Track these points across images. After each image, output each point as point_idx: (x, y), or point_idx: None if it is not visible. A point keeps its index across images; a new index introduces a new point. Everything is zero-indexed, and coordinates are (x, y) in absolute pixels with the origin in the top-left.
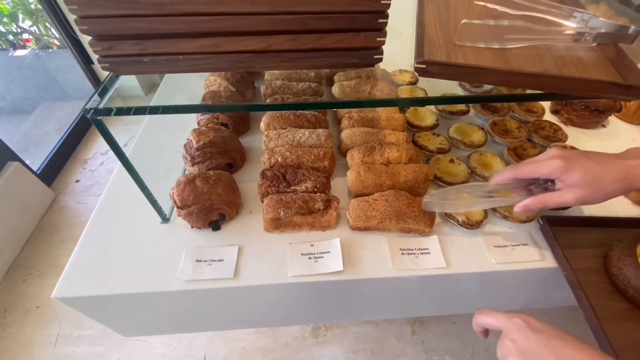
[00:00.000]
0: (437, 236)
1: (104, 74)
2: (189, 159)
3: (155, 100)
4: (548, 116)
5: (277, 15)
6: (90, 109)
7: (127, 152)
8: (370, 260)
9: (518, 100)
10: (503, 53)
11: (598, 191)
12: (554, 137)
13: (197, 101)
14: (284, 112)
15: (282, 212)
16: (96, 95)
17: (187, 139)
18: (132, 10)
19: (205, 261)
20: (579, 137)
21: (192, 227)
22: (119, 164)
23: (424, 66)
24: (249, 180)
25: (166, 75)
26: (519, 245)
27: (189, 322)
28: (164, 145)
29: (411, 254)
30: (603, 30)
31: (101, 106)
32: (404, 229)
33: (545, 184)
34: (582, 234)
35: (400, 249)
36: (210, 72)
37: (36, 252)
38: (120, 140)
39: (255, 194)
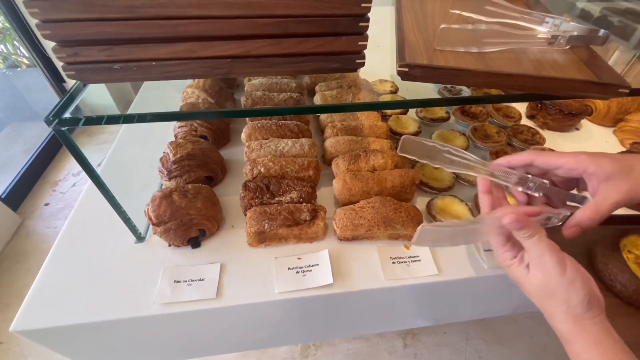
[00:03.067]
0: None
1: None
2: (166, 172)
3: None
4: (525, 121)
5: (256, 18)
6: (54, 118)
7: (100, 170)
8: (360, 271)
9: (498, 101)
10: (482, 56)
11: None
12: (532, 140)
13: None
14: (265, 122)
15: (266, 225)
16: (60, 105)
17: (164, 152)
18: (100, 13)
19: (184, 281)
20: (555, 140)
21: (169, 245)
22: (88, 182)
23: (406, 69)
24: (231, 194)
25: (141, 88)
26: None
27: (169, 349)
28: (139, 159)
29: (402, 262)
30: (575, 34)
31: (66, 115)
32: (393, 236)
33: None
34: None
35: (391, 257)
36: (188, 85)
37: (0, 282)
38: (93, 160)
39: (238, 207)
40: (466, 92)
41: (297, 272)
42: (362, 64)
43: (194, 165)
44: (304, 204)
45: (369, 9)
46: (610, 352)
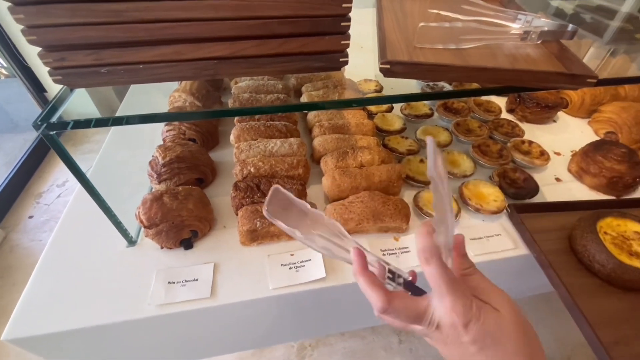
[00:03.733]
0: (414, 234)
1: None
2: (155, 176)
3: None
4: (505, 115)
5: (242, 20)
6: (42, 122)
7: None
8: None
9: (475, 95)
10: (460, 53)
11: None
12: (513, 133)
13: None
14: (253, 123)
15: (258, 223)
16: (48, 109)
17: (152, 155)
18: (85, 18)
19: (178, 282)
20: (534, 133)
21: (161, 247)
22: (75, 190)
23: (388, 66)
24: (221, 195)
25: (127, 94)
26: (493, 235)
27: (165, 352)
28: (128, 164)
29: (392, 254)
30: (546, 29)
31: (54, 119)
32: (382, 229)
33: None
34: (547, 218)
35: (381, 250)
36: (175, 89)
37: None
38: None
39: (229, 208)
40: (448, 88)
41: (291, 268)
42: (346, 62)
43: (183, 168)
44: None
45: (349, 9)
46: None
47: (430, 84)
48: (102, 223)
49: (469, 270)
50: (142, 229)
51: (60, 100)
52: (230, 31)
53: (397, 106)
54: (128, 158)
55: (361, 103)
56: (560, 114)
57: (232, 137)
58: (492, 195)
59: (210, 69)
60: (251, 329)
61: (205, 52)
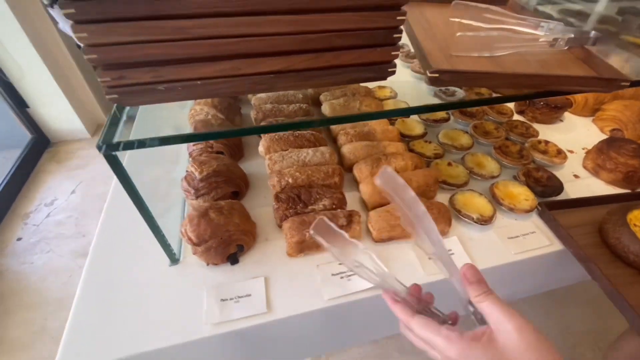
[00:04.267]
0: (456, 237)
1: (42, 118)
2: (193, 191)
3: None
4: (515, 116)
5: (301, 34)
6: (103, 144)
7: (77, 199)
8: (401, 269)
9: (508, 101)
10: (494, 60)
11: None
12: (527, 133)
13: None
14: (282, 133)
15: (307, 234)
16: (106, 129)
17: (187, 170)
18: (150, 35)
19: (231, 299)
20: (545, 132)
21: (207, 264)
22: (103, 213)
23: (437, 75)
24: (257, 207)
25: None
26: (528, 234)
27: None
28: (158, 180)
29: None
30: (572, 36)
31: (116, 140)
32: None
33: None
34: (575, 214)
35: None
36: (196, 102)
37: None
38: (65, 188)
39: (267, 220)
40: (460, 93)
41: (342, 277)
42: (393, 72)
43: (220, 182)
44: (339, 210)
45: (403, 21)
46: None
47: (443, 89)
48: (137, 244)
49: (479, 297)
50: (184, 246)
51: (117, 119)
52: (288, 45)
53: None
54: (157, 174)
55: (403, 113)
56: (566, 114)
57: (261, 149)
58: (523, 194)
59: (265, 84)
60: (306, 339)
61: (262, 67)
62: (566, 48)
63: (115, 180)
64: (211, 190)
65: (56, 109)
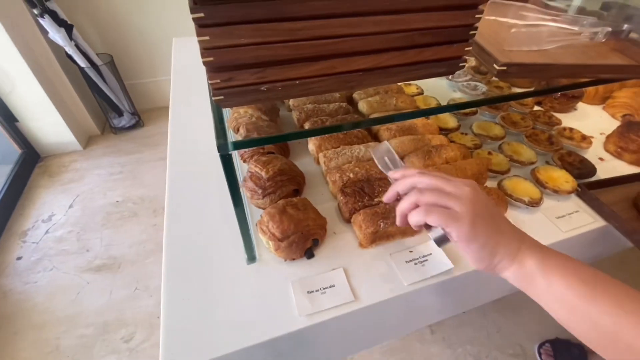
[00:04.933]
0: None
1: (32, 132)
2: (260, 191)
3: (173, 148)
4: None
5: (392, 33)
6: (222, 144)
7: (76, 213)
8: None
9: (562, 90)
10: (545, 52)
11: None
12: (551, 122)
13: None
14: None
15: (382, 224)
16: (218, 132)
17: (249, 171)
18: (263, 37)
19: (317, 291)
20: (563, 121)
21: (285, 260)
22: (165, 222)
23: (505, 68)
24: (316, 203)
25: (170, 120)
26: (572, 213)
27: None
28: (203, 185)
29: None
30: (610, 29)
31: (232, 140)
32: None
33: None
34: (610, 192)
35: None
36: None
37: None
38: (62, 203)
39: (330, 214)
40: (481, 87)
41: (416, 264)
42: (463, 67)
43: (285, 180)
44: None
45: (479, 19)
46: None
47: (465, 83)
48: (208, 248)
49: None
50: (269, 243)
51: (222, 121)
52: (378, 44)
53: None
54: (201, 179)
55: (459, 108)
56: (579, 103)
57: (312, 147)
58: (562, 177)
59: (354, 81)
60: (387, 323)
61: (355, 65)
62: (603, 40)
63: (169, 186)
64: (277, 188)
65: (46, 122)
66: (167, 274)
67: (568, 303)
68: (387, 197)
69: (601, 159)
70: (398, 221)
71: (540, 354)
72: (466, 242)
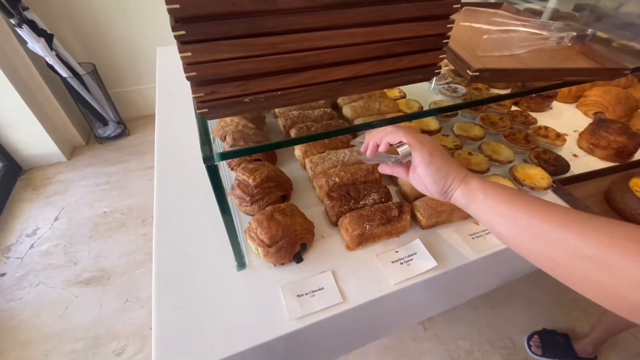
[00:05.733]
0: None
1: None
2: (248, 198)
3: (160, 157)
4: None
5: (369, 44)
6: (208, 156)
7: (62, 226)
8: (451, 251)
9: (537, 92)
10: (516, 57)
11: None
12: (527, 121)
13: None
14: None
15: (367, 226)
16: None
17: (236, 179)
18: (245, 52)
19: (306, 294)
20: (538, 119)
21: (275, 265)
22: (154, 233)
23: (478, 73)
24: (303, 208)
25: (156, 129)
26: None
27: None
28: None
29: (479, 236)
30: (575, 34)
31: (218, 151)
32: (464, 216)
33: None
34: (582, 187)
35: (469, 234)
36: None
37: None
38: (47, 216)
39: (317, 219)
40: (461, 89)
41: (402, 264)
42: (439, 73)
43: (272, 187)
44: (390, 202)
45: (451, 28)
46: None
47: (445, 86)
48: (197, 257)
49: (389, 136)
50: (257, 249)
51: (207, 132)
52: (357, 55)
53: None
54: (188, 189)
55: (441, 112)
56: (553, 102)
57: (298, 153)
58: (538, 174)
59: (334, 90)
60: (375, 323)
61: (334, 75)
62: (569, 45)
63: (157, 195)
64: (265, 195)
65: (28, 134)
66: (158, 283)
67: (498, 210)
68: (363, 148)
69: (575, 155)
70: (369, 152)
71: (529, 346)
72: (427, 164)
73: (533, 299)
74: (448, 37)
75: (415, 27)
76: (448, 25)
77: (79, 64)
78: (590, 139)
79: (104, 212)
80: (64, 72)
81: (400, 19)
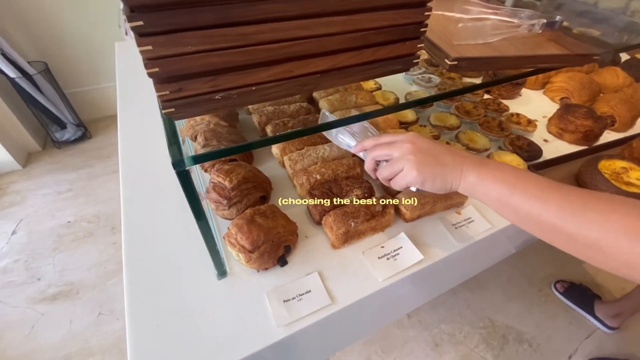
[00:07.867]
0: (471, 205)
1: None
2: (225, 201)
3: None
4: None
5: (346, 34)
6: (177, 160)
7: (21, 240)
8: (436, 242)
9: (511, 80)
10: (490, 45)
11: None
12: (500, 109)
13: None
14: None
15: (352, 223)
16: (172, 148)
17: (211, 182)
18: (214, 44)
19: (293, 298)
20: (510, 107)
21: (258, 270)
22: (123, 240)
23: (456, 62)
24: (284, 208)
25: (119, 130)
26: None
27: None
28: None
29: (462, 226)
30: (545, 21)
31: (190, 151)
32: (447, 206)
33: None
34: (555, 171)
35: (452, 224)
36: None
37: None
38: (4, 228)
39: (299, 218)
40: (435, 79)
41: (388, 259)
42: (417, 63)
43: (250, 188)
44: (374, 197)
45: (429, 16)
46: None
47: (420, 76)
48: (172, 267)
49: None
50: (238, 256)
51: (176, 136)
52: (335, 45)
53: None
54: (159, 197)
55: (420, 103)
56: (522, 89)
57: (275, 150)
58: (514, 161)
59: (311, 84)
60: (365, 320)
61: (311, 67)
62: (540, 32)
63: (124, 200)
64: (243, 197)
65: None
66: (130, 297)
67: (499, 199)
68: (356, 150)
69: (545, 140)
70: (367, 166)
71: (556, 289)
72: (421, 184)
73: (506, 278)
74: (426, 25)
75: (393, 15)
76: (426, 13)
77: (28, 62)
78: (559, 123)
79: (68, 221)
80: (11, 73)
81: (377, 6)
